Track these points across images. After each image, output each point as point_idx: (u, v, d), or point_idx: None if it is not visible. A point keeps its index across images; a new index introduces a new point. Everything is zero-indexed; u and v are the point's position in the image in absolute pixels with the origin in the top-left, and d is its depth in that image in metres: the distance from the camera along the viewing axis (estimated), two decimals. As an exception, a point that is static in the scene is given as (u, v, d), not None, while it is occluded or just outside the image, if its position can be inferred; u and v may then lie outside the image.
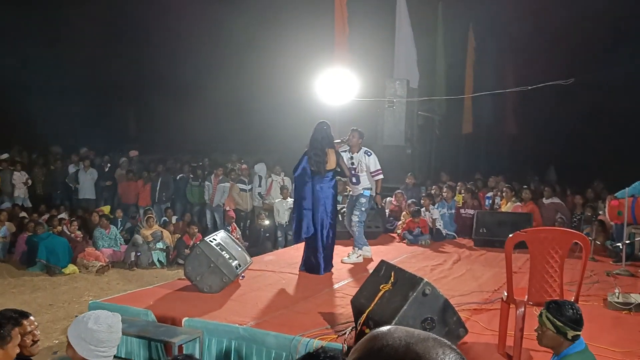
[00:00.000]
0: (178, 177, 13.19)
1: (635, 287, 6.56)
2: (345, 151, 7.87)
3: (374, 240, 9.61)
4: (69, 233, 10.51)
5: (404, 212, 10.44)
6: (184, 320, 5.13)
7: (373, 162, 7.95)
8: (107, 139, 16.52)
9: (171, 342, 4.72)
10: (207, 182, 12.65)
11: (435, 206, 10.50)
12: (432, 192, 11.61)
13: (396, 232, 10.35)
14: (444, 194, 10.94)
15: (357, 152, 7.94)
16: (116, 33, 17.39)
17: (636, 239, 8.04)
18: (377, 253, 8.10)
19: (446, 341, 1.00)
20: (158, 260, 10.52)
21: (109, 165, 13.80)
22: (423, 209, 10.29)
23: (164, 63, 17.39)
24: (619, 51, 14.06)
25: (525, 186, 10.81)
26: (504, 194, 10.72)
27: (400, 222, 10.42)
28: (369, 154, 7.96)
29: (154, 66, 17.50)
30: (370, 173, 7.95)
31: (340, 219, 9.04)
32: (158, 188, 12.81)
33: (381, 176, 8.11)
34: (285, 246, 10.93)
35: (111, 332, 2.85)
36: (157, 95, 18.03)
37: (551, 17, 14.60)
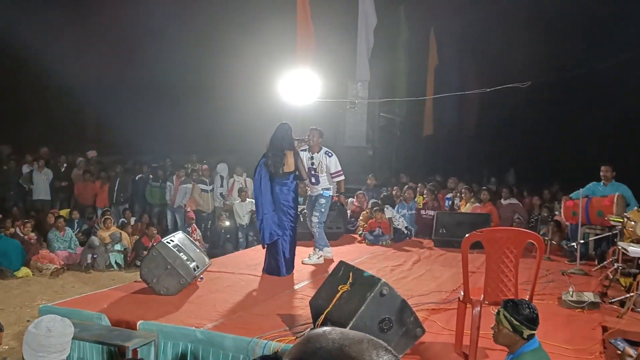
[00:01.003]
0: (137, 178, 12.96)
1: (588, 286, 6.71)
2: (304, 150, 7.82)
3: (336, 241, 9.60)
4: (22, 235, 10.19)
5: (364, 213, 10.47)
6: (138, 323, 5.01)
7: (334, 163, 7.90)
8: (64, 139, 16.11)
9: (125, 346, 4.60)
10: (168, 183, 12.47)
11: (396, 207, 10.56)
12: (393, 193, 11.71)
13: (357, 233, 10.38)
14: (404, 195, 11.02)
15: (318, 152, 7.89)
16: (74, 32, 16.98)
17: (590, 239, 8.22)
18: (338, 254, 8.08)
19: (381, 342, 0.97)
20: (115, 262, 10.30)
21: (65, 165, 13.45)
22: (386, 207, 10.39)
23: (123, 63, 17.06)
24: (577, 55, 14.40)
25: (484, 187, 10.96)
26: (463, 195, 10.87)
27: (361, 223, 10.45)
28: (329, 154, 7.91)
29: (114, 66, 17.15)
30: (331, 174, 7.90)
31: (302, 219, 9.02)
32: (116, 189, 12.56)
33: (342, 177, 8.05)
34: (246, 247, 10.83)
35: (49, 337, 2.75)
36: (117, 96, 17.67)
37: (510, 19, 14.86)
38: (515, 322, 3.28)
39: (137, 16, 15.98)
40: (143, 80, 17.45)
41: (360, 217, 10.57)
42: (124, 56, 17.01)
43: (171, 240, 6.29)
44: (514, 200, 10.82)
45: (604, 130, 14.31)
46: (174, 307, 5.55)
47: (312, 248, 8.09)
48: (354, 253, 8.84)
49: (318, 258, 7.92)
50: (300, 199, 10.00)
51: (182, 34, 16.77)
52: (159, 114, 17.35)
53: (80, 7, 16.14)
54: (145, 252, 9.49)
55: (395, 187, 12.13)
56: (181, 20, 16.46)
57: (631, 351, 3.07)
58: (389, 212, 10.24)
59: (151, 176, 12.98)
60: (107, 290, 6.35)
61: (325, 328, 1.01)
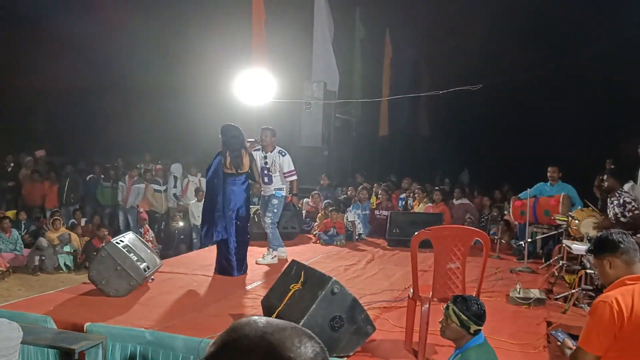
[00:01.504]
0: (88, 178, 12.67)
1: (535, 283, 6.90)
2: (258, 149, 7.81)
3: (291, 241, 9.61)
4: (-35, 237, 9.86)
5: (319, 214, 10.50)
6: (86, 325, 4.90)
7: (287, 163, 7.90)
8: (11, 138, 15.61)
9: (72, 349, 4.49)
10: (120, 183, 12.24)
11: (350, 207, 10.64)
12: (348, 193, 11.79)
13: (312, 233, 10.40)
14: (359, 195, 11.10)
15: (271, 152, 7.88)
16: (24, 30, 16.48)
17: (537, 238, 8.45)
18: (293, 254, 8.07)
19: (306, 330, 0.99)
20: (65, 264, 10.06)
21: (12, 165, 13.04)
22: (348, 210, 10.46)
23: (74, 63, 16.64)
24: (528, 56, 14.74)
25: (437, 188, 11.14)
26: (416, 195, 11.03)
27: (316, 223, 10.48)
28: (283, 154, 7.91)
29: (65, 66, 16.71)
30: (284, 174, 7.89)
31: (257, 220, 8.98)
32: (66, 189, 12.26)
33: (295, 177, 8.04)
34: (200, 248, 10.72)
35: None
36: (68, 96, 17.23)
37: (464, 22, 15.14)
38: (463, 317, 3.35)
39: (90, 16, 15.65)
40: (96, 81, 17.10)
41: (317, 222, 10.58)
42: (75, 56, 16.61)
43: (121, 240, 6.18)
44: (465, 201, 11.04)
45: (552, 131, 14.73)
46: (124, 308, 5.46)
47: (266, 248, 8.07)
48: (308, 253, 8.86)
49: (272, 258, 7.91)
50: (255, 199, 9.98)
51: (136, 34, 16.48)
52: (112, 114, 17.03)
53: (30, 7, 15.67)
54: (96, 254, 9.32)
55: (350, 188, 12.22)
56: (136, 20, 16.17)
57: (570, 343, 3.17)
58: (351, 215, 10.32)
59: (102, 176, 12.72)
60: (53, 293, 6.18)
61: (252, 317, 1.02)
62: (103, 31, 15.91)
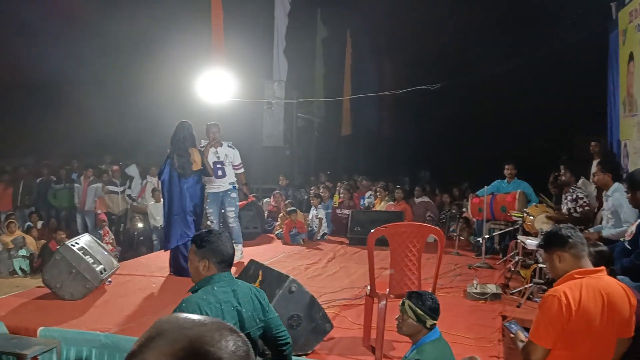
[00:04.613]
0: (38, 181, 12.38)
1: (492, 279, 7.03)
2: (219, 146, 7.80)
3: (252, 241, 9.59)
4: None
5: (281, 214, 10.50)
6: (39, 330, 4.79)
7: (238, 156, 8.01)
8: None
9: (24, 354, 4.38)
10: (76, 185, 11.97)
11: (320, 205, 10.65)
12: (312, 192, 11.80)
13: (274, 233, 10.39)
14: (321, 194, 11.13)
15: (221, 146, 7.88)
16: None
17: (494, 234, 8.61)
18: (255, 253, 8.01)
19: (228, 324, 0.99)
20: (20, 268, 9.80)
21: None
22: (312, 209, 10.47)
23: (32, 62, 16.21)
24: (486, 54, 14.95)
25: (398, 186, 11.25)
26: (378, 194, 11.11)
27: (277, 223, 10.47)
28: (232, 147, 7.99)
29: (21, 65, 16.26)
30: (234, 166, 7.94)
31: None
32: (20, 191, 11.94)
33: (243, 170, 8.18)
34: (160, 249, 10.58)
35: None
36: (22, 96, 16.77)
37: (422, 23, 15.29)
38: (419, 311, 3.41)
39: (60, 16, 15.28)
40: (50, 79, 16.67)
41: (278, 221, 10.56)
42: (36, 54, 16.18)
43: (76, 243, 6.06)
44: (426, 199, 11.18)
45: (509, 130, 15.01)
46: (79, 312, 5.36)
47: None
48: (269, 252, 8.85)
49: (240, 254, 7.86)
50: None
51: (101, 34, 16.15)
52: (69, 114, 16.64)
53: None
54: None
55: (313, 187, 12.24)
56: (101, 22, 15.85)
57: (522, 335, 3.24)
58: (321, 212, 10.36)
59: (53, 178, 12.42)
60: (6, 297, 6.02)
61: (174, 314, 1.01)
62: (59, 23, 15.51)
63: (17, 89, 16.51)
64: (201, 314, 2.66)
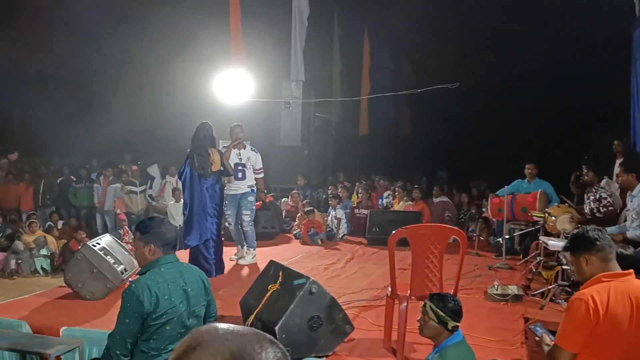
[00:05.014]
0: (59, 180, 12.49)
1: (512, 280, 6.95)
2: (243, 148, 7.81)
3: (271, 241, 9.60)
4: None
5: (299, 214, 10.49)
6: (62, 329, 4.84)
7: (260, 160, 7.98)
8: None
9: (47, 354, 4.43)
10: (95, 185, 12.07)
11: (339, 205, 10.62)
12: (329, 192, 11.78)
13: (292, 233, 10.39)
14: (339, 194, 11.10)
15: (244, 149, 7.87)
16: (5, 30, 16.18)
17: (515, 234, 8.52)
18: (273, 253, 8.06)
19: (267, 335, 0.97)
20: (42, 267, 9.89)
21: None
22: (330, 209, 10.45)
23: (55, 60, 16.38)
24: (505, 54, 14.82)
25: (416, 186, 11.19)
26: (396, 193, 11.06)
27: (295, 223, 10.47)
28: (255, 150, 7.97)
29: (42, 63, 16.44)
30: (255, 170, 7.91)
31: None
32: (41, 191, 12.07)
33: (263, 174, 8.17)
34: (180, 249, 10.62)
35: None
36: (44, 96, 16.95)
37: (441, 20, 15.19)
38: (441, 313, 3.37)
39: (65, 14, 15.41)
40: (73, 79, 16.85)
41: (296, 221, 10.55)
42: (53, 53, 16.35)
43: (97, 243, 6.11)
44: (444, 198, 11.11)
45: (529, 129, 14.87)
46: (100, 311, 5.40)
47: (234, 247, 8.05)
48: (288, 252, 8.85)
49: (252, 257, 7.89)
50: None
51: (115, 32, 16.29)
52: (91, 113, 16.79)
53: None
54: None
55: (330, 187, 12.21)
56: (115, 18, 15.98)
57: (548, 339, 3.18)
58: (340, 212, 10.33)
59: (73, 177, 12.54)
60: (29, 297, 6.09)
61: (214, 324, 1.00)
62: (81, 28, 15.65)
63: (50, 83, 16.67)
64: (150, 294, 2.98)
